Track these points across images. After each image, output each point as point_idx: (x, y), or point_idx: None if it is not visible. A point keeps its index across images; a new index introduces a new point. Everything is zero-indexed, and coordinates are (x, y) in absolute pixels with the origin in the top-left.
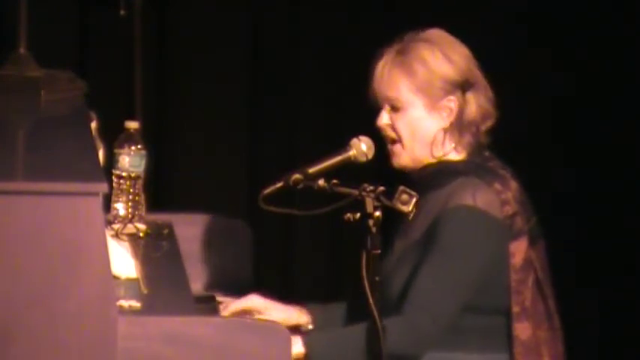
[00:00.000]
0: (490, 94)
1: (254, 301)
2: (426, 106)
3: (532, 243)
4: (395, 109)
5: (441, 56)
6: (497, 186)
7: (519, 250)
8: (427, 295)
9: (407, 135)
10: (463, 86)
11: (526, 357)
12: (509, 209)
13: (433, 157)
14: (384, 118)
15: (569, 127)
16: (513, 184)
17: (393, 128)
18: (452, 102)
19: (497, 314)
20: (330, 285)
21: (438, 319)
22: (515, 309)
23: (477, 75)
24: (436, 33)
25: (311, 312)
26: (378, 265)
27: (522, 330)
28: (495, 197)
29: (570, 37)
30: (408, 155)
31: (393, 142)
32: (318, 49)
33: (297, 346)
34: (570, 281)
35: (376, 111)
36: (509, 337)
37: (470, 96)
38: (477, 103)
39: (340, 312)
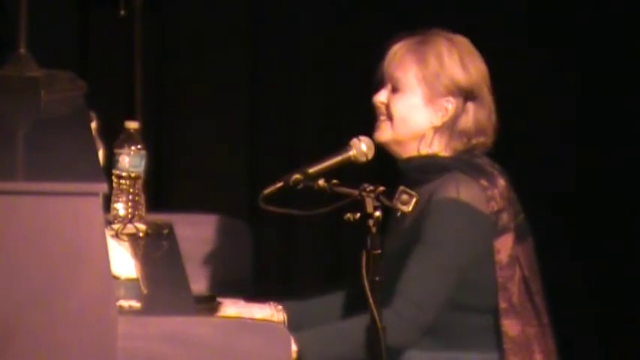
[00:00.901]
0: (493, 116)
1: (227, 312)
2: (424, 97)
3: (519, 240)
4: (395, 90)
5: (457, 59)
6: (484, 182)
7: (505, 246)
8: (414, 286)
9: (398, 118)
10: (467, 94)
11: (517, 353)
12: (494, 205)
13: (417, 152)
14: (381, 96)
15: (569, 126)
16: (501, 181)
17: (387, 108)
18: (450, 103)
19: (487, 312)
20: (330, 285)
21: (425, 308)
22: (503, 305)
23: (485, 92)
24: (461, 39)
25: (287, 309)
26: (378, 265)
27: (511, 326)
28: (480, 192)
29: (570, 36)
30: (392, 135)
31: (383, 118)
32: (318, 49)
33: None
34: (570, 280)
35: (377, 89)
36: (499, 335)
37: (470, 106)
38: (475, 116)
39: (318, 308)
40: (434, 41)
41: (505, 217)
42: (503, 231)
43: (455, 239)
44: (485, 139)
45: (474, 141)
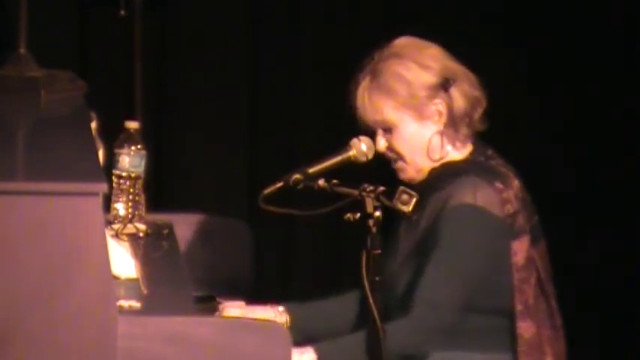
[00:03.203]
0: (473, 79)
1: (229, 312)
2: (415, 118)
3: (534, 242)
4: (387, 130)
5: (414, 66)
6: (499, 185)
7: (521, 249)
8: (431, 292)
9: (407, 151)
10: (444, 86)
11: (530, 355)
12: (510, 208)
13: (433, 162)
14: (380, 144)
15: (570, 125)
16: (515, 183)
17: (392, 149)
18: (439, 105)
19: (501, 314)
20: (330, 285)
21: (442, 314)
22: (519, 307)
23: (455, 69)
24: (403, 42)
25: (290, 311)
26: (378, 265)
27: (526, 329)
28: (496, 196)
29: (570, 35)
30: (412, 169)
31: (395, 160)
32: (318, 49)
33: (309, 355)
34: (570, 282)
35: (371, 134)
36: (512, 337)
37: (454, 91)
38: (463, 95)
39: (320, 311)
40: (385, 67)
41: (521, 219)
42: (519, 233)
43: (472, 245)
44: (481, 106)
45: (475, 115)
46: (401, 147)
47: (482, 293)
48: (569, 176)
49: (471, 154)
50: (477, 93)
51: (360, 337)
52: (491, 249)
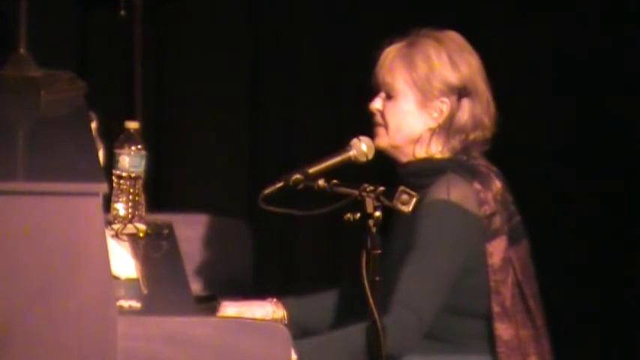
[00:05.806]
0: (492, 109)
1: (227, 310)
2: (417, 101)
3: (512, 243)
4: (389, 96)
5: (446, 59)
6: (477, 185)
7: (497, 250)
8: (411, 294)
9: (393, 125)
10: (460, 92)
11: (510, 357)
12: (487, 209)
13: (414, 156)
14: (376, 103)
15: (570, 126)
16: (496, 184)
17: (383, 115)
18: (444, 104)
19: (480, 317)
20: (330, 285)
21: (423, 315)
22: (496, 309)
23: (480, 86)
24: (451, 35)
25: (287, 306)
26: (378, 265)
27: (504, 330)
28: (472, 194)
29: (571, 37)
30: (389, 142)
31: (379, 125)
32: (318, 49)
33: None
34: (570, 281)
35: (373, 96)
36: (492, 340)
37: (465, 102)
38: (472, 112)
39: (317, 305)
40: (421, 43)
41: (498, 221)
42: (495, 234)
43: (447, 241)
44: (483, 133)
45: (471, 136)
46: (391, 118)
47: (463, 296)
48: (569, 176)
49: (455, 149)
50: (485, 120)
51: (341, 336)
52: (467, 244)
